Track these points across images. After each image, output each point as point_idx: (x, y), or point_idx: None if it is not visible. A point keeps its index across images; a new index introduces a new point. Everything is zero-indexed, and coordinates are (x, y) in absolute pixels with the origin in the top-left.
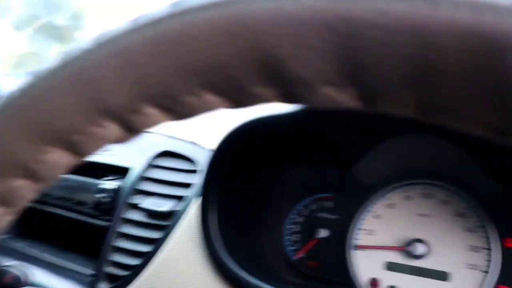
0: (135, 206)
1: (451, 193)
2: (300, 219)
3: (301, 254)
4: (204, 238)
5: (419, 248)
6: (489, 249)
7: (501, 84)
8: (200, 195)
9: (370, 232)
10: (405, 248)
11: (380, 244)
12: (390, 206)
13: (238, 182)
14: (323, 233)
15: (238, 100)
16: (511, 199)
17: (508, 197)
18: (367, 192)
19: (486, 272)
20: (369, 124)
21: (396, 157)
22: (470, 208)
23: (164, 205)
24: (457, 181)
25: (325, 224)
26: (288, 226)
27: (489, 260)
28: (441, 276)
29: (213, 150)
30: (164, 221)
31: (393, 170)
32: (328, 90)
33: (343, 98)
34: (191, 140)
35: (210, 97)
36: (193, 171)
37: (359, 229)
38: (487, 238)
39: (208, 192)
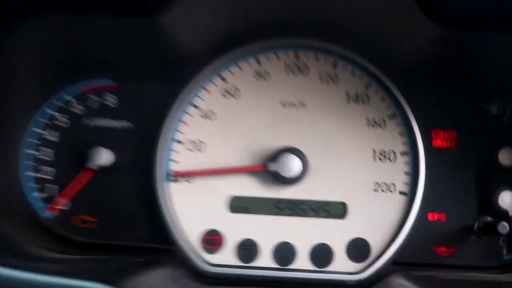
0: None
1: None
2: (51, 137)
3: (59, 206)
4: None
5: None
6: None
7: None
8: None
9: (198, 146)
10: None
11: (217, 165)
12: (229, 92)
13: None
14: (103, 157)
15: None
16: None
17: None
18: (186, 68)
19: None
20: None
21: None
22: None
23: None
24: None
25: (104, 140)
26: (26, 152)
27: None
28: None
29: None
30: None
31: (228, 23)
32: None
33: None
34: None
35: None
36: None
37: (178, 141)
38: None
39: None
